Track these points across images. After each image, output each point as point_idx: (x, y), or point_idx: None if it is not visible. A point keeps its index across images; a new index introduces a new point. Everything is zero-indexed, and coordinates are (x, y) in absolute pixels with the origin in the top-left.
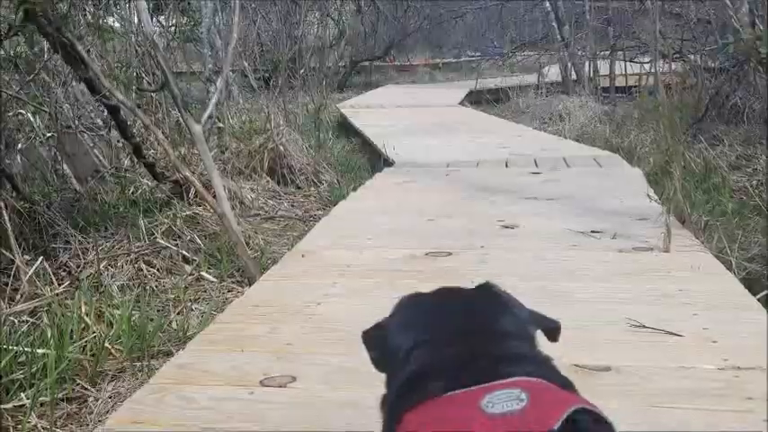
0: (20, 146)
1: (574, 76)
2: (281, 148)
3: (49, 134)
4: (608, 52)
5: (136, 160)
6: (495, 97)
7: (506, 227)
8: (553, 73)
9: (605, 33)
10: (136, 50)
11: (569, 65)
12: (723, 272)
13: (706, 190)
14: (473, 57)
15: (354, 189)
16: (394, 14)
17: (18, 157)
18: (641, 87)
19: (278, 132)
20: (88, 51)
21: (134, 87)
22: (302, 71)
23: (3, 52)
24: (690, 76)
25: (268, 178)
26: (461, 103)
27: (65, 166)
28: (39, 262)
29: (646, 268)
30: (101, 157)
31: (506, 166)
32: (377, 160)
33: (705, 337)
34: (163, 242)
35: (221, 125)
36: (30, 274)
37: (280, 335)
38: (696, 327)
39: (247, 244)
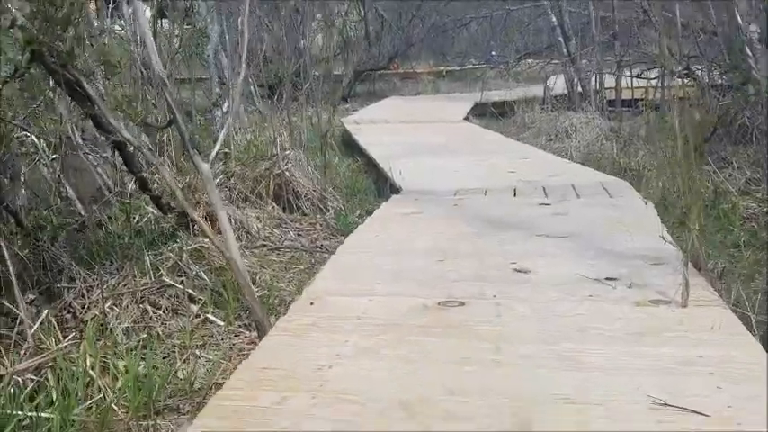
0: (23, 173)
1: (579, 89)
2: (287, 174)
3: (53, 156)
4: (614, 68)
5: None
6: (500, 110)
7: (518, 271)
8: (559, 86)
9: (611, 44)
10: (141, 78)
11: (575, 80)
12: (743, 332)
13: (716, 217)
14: (477, 65)
15: (361, 217)
16: (398, 23)
17: (23, 191)
18: (647, 101)
19: (284, 157)
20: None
21: (139, 122)
22: (307, 85)
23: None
24: (698, 93)
25: (274, 204)
26: (466, 118)
27: (68, 188)
28: (44, 315)
29: (663, 326)
30: (104, 177)
31: (515, 194)
32: (383, 183)
33: (729, 417)
34: (168, 281)
35: (227, 150)
36: (35, 329)
37: (289, 406)
38: (721, 404)
39: (254, 281)
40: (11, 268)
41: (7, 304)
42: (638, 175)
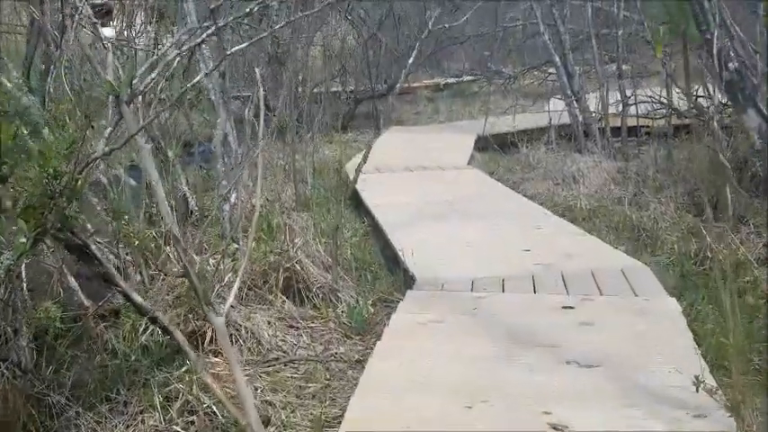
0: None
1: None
2: (298, 266)
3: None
4: (620, 107)
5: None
6: (503, 141)
7: (555, 429)
8: (560, 110)
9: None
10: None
11: (581, 119)
12: None
13: (739, 292)
14: (475, 77)
15: (375, 306)
16: (395, 47)
17: (26, 341)
18: (653, 130)
19: (293, 245)
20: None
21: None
22: (316, 122)
23: None
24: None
25: (284, 298)
26: (471, 159)
27: (70, 279)
28: None
29: None
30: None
31: (534, 290)
32: (393, 260)
33: None
34: (178, 429)
35: (237, 246)
36: None
37: None
38: None
39: (268, 420)
40: None
41: None
42: (653, 236)
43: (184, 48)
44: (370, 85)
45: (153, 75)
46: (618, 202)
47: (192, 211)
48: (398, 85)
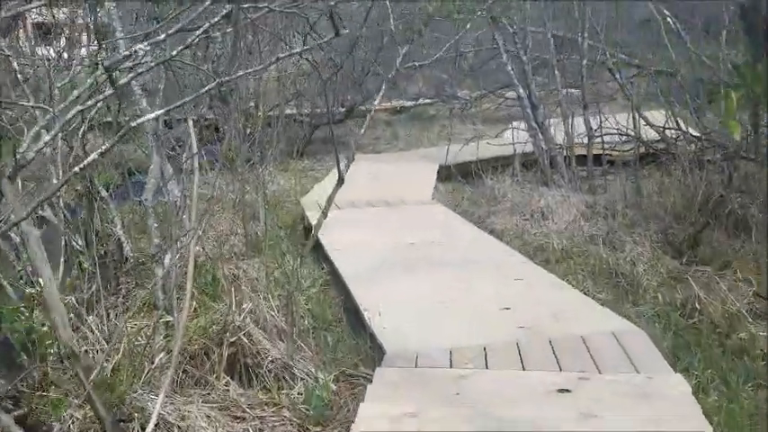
0: None
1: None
2: (245, 339)
3: None
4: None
5: None
6: (465, 171)
7: None
8: (524, 139)
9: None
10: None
11: (546, 151)
12: None
13: (735, 352)
14: (433, 100)
15: (337, 383)
16: (352, 72)
17: None
18: (617, 158)
19: (240, 313)
20: None
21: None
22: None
23: None
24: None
25: (228, 379)
26: (435, 191)
27: None
28: None
29: None
30: None
31: (522, 365)
32: (357, 323)
33: None
34: None
35: (170, 318)
36: None
37: None
38: None
39: None
40: None
41: None
42: (633, 282)
43: (101, 97)
44: (327, 109)
45: (46, 139)
46: (591, 241)
47: (126, 258)
48: (373, 109)
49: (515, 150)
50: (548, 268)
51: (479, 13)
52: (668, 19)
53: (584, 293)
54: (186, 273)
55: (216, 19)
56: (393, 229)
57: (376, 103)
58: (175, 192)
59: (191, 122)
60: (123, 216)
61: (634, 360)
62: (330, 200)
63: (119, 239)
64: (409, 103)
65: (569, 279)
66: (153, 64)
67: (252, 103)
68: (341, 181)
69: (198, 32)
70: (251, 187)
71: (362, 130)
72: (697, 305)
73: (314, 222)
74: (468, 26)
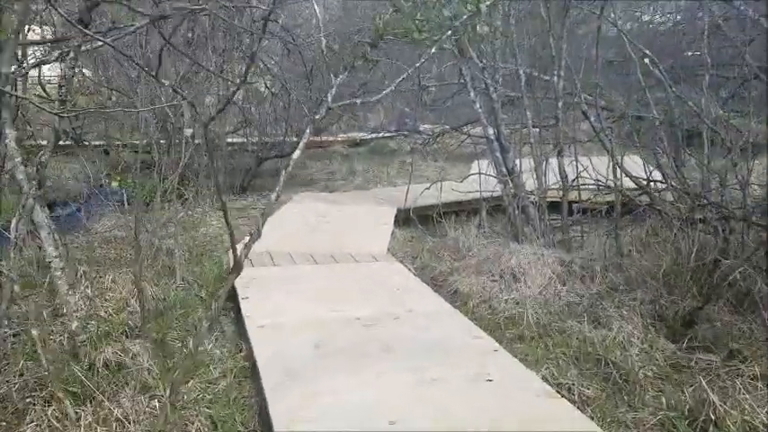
0: None
1: (520, 211)
2: None
3: None
4: (560, 190)
5: None
6: (426, 216)
7: None
8: (491, 183)
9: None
10: None
11: (517, 200)
12: None
13: None
14: (393, 134)
15: None
16: (307, 98)
17: None
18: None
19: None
20: None
21: None
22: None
23: None
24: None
25: None
26: (392, 238)
27: None
28: None
29: None
30: None
31: None
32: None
33: None
34: None
35: None
36: None
37: None
38: None
39: None
40: None
41: None
42: (626, 373)
43: None
44: (279, 139)
45: None
46: (570, 312)
47: None
48: (291, 164)
49: (482, 196)
50: (521, 350)
51: (448, 32)
52: (645, 60)
53: (571, 392)
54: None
55: None
56: (337, 295)
57: (299, 149)
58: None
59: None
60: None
61: None
62: (239, 257)
63: None
64: (369, 136)
65: (549, 365)
66: None
67: (189, 130)
68: (257, 235)
69: None
70: (170, 232)
71: (277, 189)
72: (711, 414)
73: (240, 287)
74: (433, 50)
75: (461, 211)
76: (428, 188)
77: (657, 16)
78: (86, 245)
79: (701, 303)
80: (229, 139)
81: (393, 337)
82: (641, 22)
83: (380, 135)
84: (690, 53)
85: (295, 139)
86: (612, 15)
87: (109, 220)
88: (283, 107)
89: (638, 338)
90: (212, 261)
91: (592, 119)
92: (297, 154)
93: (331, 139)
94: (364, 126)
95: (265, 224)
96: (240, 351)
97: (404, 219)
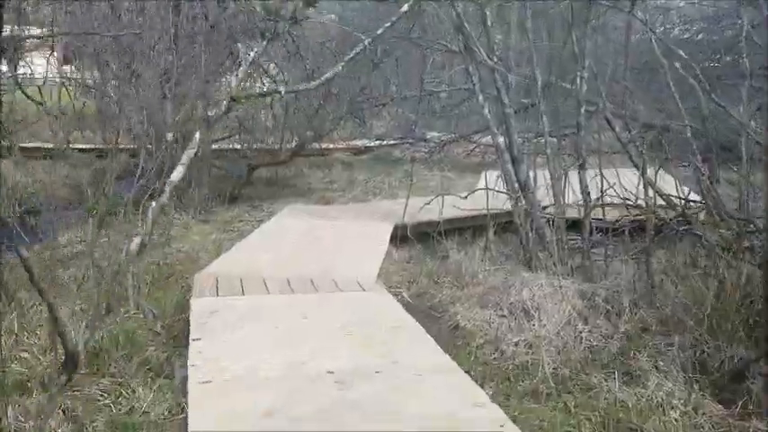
0: None
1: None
2: None
3: None
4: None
5: None
6: (426, 234)
7: None
8: (501, 197)
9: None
10: None
11: (530, 221)
12: None
13: None
14: (399, 142)
15: None
16: (308, 106)
17: None
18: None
19: None
20: None
21: None
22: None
23: None
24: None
25: None
26: (387, 259)
27: None
28: None
29: None
30: None
31: None
32: None
33: None
34: None
35: None
36: None
37: None
38: None
39: None
40: None
41: None
42: None
43: None
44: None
45: None
46: (595, 360)
47: None
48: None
49: (489, 214)
50: (536, 413)
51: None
52: (676, 64)
53: None
54: None
55: None
56: (309, 337)
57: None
58: None
59: None
60: None
61: None
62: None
63: None
64: (373, 144)
65: None
66: None
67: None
68: None
69: None
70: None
71: None
72: None
73: (196, 322)
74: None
75: (465, 228)
76: (428, 203)
77: (677, 29)
78: (39, 262)
79: (756, 355)
80: (217, 146)
81: (370, 407)
82: (665, 29)
83: (385, 143)
84: (711, 64)
85: (293, 146)
86: (641, 15)
87: (76, 233)
88: (284, 112)
89: (679, 396)
90: (181, 284)
91: (617, 128)
92: (180, 171)
93: (332, 146)
94: (369, 133)
95: (250, 238)
96: (182, 411)
97: (401, 236)
